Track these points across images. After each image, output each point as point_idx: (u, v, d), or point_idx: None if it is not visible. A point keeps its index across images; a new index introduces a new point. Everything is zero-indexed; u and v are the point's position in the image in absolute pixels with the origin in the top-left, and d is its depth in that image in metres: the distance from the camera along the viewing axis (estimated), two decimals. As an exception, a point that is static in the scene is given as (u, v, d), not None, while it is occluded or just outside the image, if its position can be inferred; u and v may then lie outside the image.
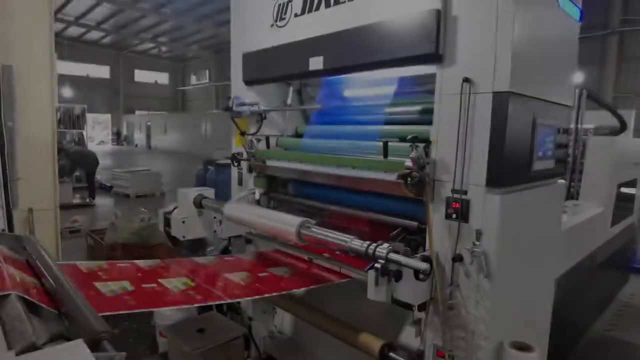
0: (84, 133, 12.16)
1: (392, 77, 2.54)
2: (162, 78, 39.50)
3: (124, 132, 38.01)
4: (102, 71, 35.51)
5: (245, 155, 3.05)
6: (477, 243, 1.88)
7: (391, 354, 2.15)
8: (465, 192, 1.90)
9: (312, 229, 2.04)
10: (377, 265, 1.68)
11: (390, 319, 2.52)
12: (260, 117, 3.00)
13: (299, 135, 3.18)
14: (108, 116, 38.43)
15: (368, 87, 2.74)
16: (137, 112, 38.31)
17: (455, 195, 1.92)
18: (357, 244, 1.84)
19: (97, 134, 39.42)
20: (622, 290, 4.87)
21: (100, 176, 13.26)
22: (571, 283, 3.06)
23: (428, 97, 2.46)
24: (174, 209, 3.03)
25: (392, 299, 1.81)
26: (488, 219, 1.85)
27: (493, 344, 1.96)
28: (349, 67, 2.36)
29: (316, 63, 2.45)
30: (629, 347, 4.09)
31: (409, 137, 1.91)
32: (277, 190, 3.17)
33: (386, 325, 2.50)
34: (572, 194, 3.99)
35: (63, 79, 29.91)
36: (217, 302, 1.99)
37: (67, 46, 29.89)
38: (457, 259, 1.94)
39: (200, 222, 2.91)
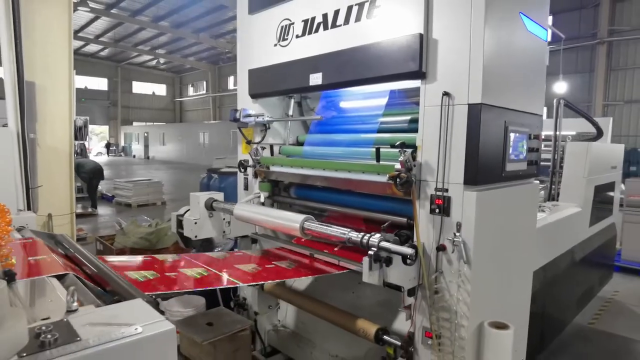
0: (86, 144, 12.41)
1: (383, 90, 2.85)
2: (160, 89, 39.91)
3: (122, 143, 38.22)
4: (100, 83, 35.86)
5: (251, 162, 3.34)
6: (457, 234, 2.17)
7: (385, 337, 2.43)
8: (447, 190, 2.20)
9: (314, 224, 2.33)
10: (371, 252, 1.97)
11: (384, 308, 2.81)
12: (265, 127, 3.30)
13: (300, 143, 3.48)
14: (105, 127, 38.70)
15: (362, 100, 3.05)
16: (134, 123, 38.59)
17: (438, 193, 2.21)
18: (354, 235, 2.13)
19: (94, 145, 39.70)
20: (605, 287, 5.15)
21: (101, 187, 13.53)
22: (549, 276, 3.34)
23: (416, 108, 2.78)
24: (186, 211, 3.30)
25: (384, 282, 2.09)
26: (466, 213, 2.14)
27: (474, 323, 2.24)
28: (345, 82, 2.66)
29: (316, 79, 2.76)
30: (612, 337, 4.38)
31: (397, 143, 2.21)
32: (280, 193, 3.46)
33: (380, 313, 2.78)
34: (553, 196, 4.29)
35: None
36: (229, 286, 2.25)
37: (66, 59, 30.34)
38: (441, 248, 2.23)
39: (210, 223, 3.19)
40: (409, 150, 2.24)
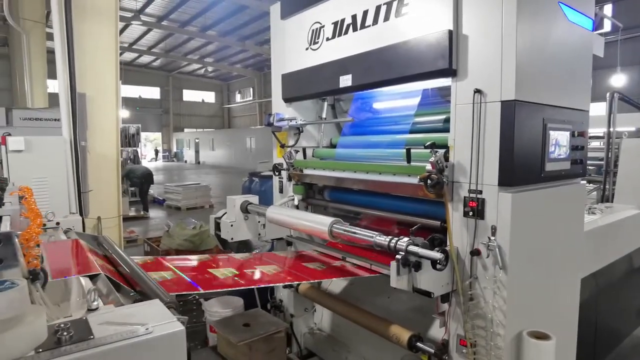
0: (139, 150, 13.08)
1: (416, 90, 2.78)
2: (209, 97, 41.33)
3: (174, 149, 39.91)
4: (153, 92, 37.67)
5: (285, 166, 3.37)
6: (492, 238, 2.07)
7: (419, 344, 2.36)
8: (481, 192, 2.10)
9: (342, 227, 2.30)
10: (398, 256, 1.92)
11: (418, 313, 2.73)
12: (298, 130, 3.31)
13: (333, 145, 3.47)
14: (158, 134, 40.56)
15: (394, 100, 2.99)
16: (185, 130, 40.19)
17: (472, 195, 2.12)
18: (381, 239, 2.09)
19: (148, 151, 41.78)
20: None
21: (152, 191, 14.20)
22: (602, 284, 3.11)
23: (450, 107, 2.69)
24: (224, 214, 3.39)
25: (414, 288, 2.03)
26: (501, 215, 2.04)
27: (512, 333, 2.12)
28: (374, 83, 2.62)
29: (346, 81, 2.74)
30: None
31: (427, 143, 2.14)
32: (314, 196, 3.46)
33: (414, 319, 2.71)
34: (606, 197, 3.99)
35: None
36: (259, 286, 2.27)
37: (122, 70, 32.17)
38: (475, 253, 2.13)
39: (246, 225, 3.25)
40: (441, 151, 2.17)
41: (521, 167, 2.06)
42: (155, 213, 11.80)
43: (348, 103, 3.44)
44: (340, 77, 2.75)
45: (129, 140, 12.76)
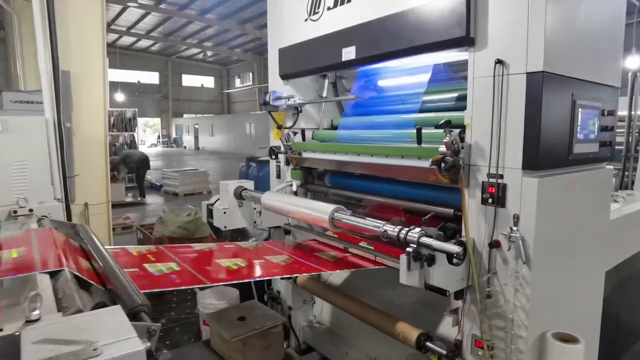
0: (135, 135, 12.82)
1: (426, 65, 2.52)
2: (208, 82, 40.83)
3: (173, 134, 39.60)
4: (151, 77, 37.18)
5: (282, 149, 3.12)
6: (515, 228, 1.83)
7: (428, 344, 2.14)
8: (502, 176, 1.86)
9: (345, 216, 2.06)
10: (409, 249, 1.68)
11: (427, 309, 2.50)
12: (297, 110, 3.06)
13: (334, 127, 3.21)
14: (158, 120, 40.22)
15: (402, 77, 2.73)
16: (185, 115, 39.83)
17: (491, 180, 1.88)
18: (389, 228, 1.84)
19: (148, 137, 41.48)
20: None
21: (150, 176, 13.97)
22: (624, 277, 2.88)
23: (464, 83, 2.43)
24: (216, 200, 3.15)
25: (426, 285, 1.80)
26: (525, 203, 1.80)
27: (535, 334, 1.89)
28: (381, 55, 2.36)
29: (349, 53, 2.48)
30: None
31: (441, 122, 1.89)
32: (314, 182, 3.22)
33: (423, 315, 2.49)
34: (626, 184, 3.75)
35: (115, 86, 31.77)
36: (260, 279, 2.05)
37: (119, 55, 31.69)
38: (494, 245, 1.90)
39: (240, 212, 3.01)
40: (456, 131, 1.92)
41: (548, 149, 1.81)
42: (152, 199, 11.59)
43: (351, 81, 3.17)
44: (343, 50, 2.48)
45: (126, 124, 12.49)
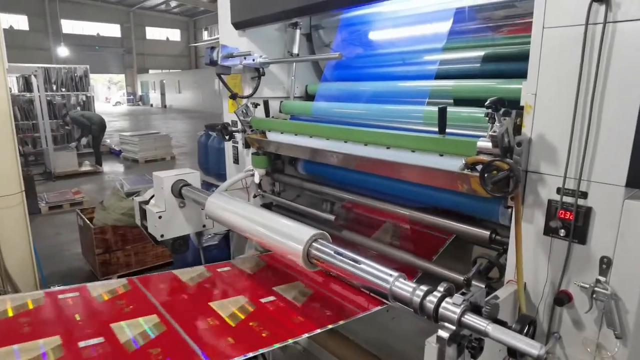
0: (90, 95, 11.48)
1: (445, 10, 1.70)
2: (174, 35, 38.31)
3: (139, 92, 37.43)
4: (112, 30, 34.43)
5: (239, 126, 2.31)
6: (603, 279, 1.13)
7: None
8: (585, 195, 1.13)
9: (330, 249, 1.30)
10: (443, 333, 0.95)
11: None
12: (258, 72, 2.22)
13: (309, 96, 2.40)
14: (122, 77, 37.88)
15: (406, 26, 1.90)
16: (150, 71, 37.56)
17: (566, 199, 1.15)
18: (403, 286, 1.09)
19: (113, 94, 39.07)
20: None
21: (109, 140, 12.75)
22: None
23: (497, 38, 1.65)
24: (151, 197, 2.34)
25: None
26: (625, 241, 1.09)
27: None
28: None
29: (331, -10, 1.64)
30: None
31: (489, 100, 1.12)
32: (284, 169, 2.44)
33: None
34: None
35: (69, 38, 29.25)
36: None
37: (72, 3, 28.96)
38: (562, 300, 1.20)
39: (182, 215, 2.22)
40: (513, 114, 1.16)
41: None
42: (110, 167, 10.50)
43: (332, 32, 2.32)
44: (322, -16, 1.64)
45: (76, 83, 11.12)
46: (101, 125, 10.17)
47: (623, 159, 1.06)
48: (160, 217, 2.16)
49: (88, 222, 4.16)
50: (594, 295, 1.14)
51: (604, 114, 1.08)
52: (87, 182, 8.99)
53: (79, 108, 11.16)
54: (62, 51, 26.87)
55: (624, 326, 1.12)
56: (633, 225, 1.07)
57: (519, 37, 1.55)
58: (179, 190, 2.13)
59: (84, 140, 10.36)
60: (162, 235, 2.20)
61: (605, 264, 1.13)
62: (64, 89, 10.89)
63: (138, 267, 4.24)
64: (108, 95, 39.42)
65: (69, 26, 29.90)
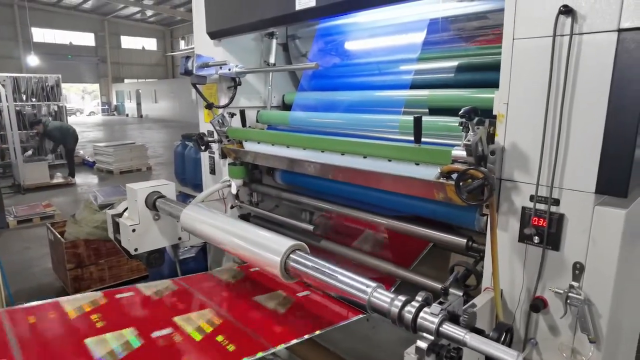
0: (61, 105, 11.18)
1: (419, 20, 1.73)
2: (150, 44, 37.87)
3: (114, 101, 36.74)
4: (86, 39, 33.80)
5: (215, 136, 2.28)
6: (576, 285, 1.15)
7: None
8: (557, 202, 1.15)
9: (308, 260, 1.28)
10: (422, 343, 0.95)
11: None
12: (234, 82, 2.20)
13: (286, 105, 2.40)
14: (96, 86, 37.13)
15: (382, 36, 1.92)
16: (126, 81, 36.95)
17: (539, 206, 1.17)
18: (381, 297, 1.09)
19: (87, 104, 38.21)
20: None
21: (82, 151, 12.43)
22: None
23: (468, 48, 1.69)
24: (125, 209, 2.28)
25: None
26: (597, 246, 1.11)
27: None
28: (355, 2, 1.54)
29: (306, 1, 1.64)
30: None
31: (463, 110, 1.13)
32: (262, 180, 2.42)
33: None
34: None
35: (40, 47, 28.56)
36: None
37: (43, 11, 28.35)
38: (537, 306, 1.21)
39: (157, 228, 2.17)
40: (486, 123, 1.18)
41: (640, 160, 1.11)
42: (83, 179, 10.21)
43: (308, 42, 2.33)
44: (297, -6, 1.64)
45: (47, 93, 10.83)
46: (72, 136, 9.93)
47: (592, 166, 1.09)
48: (134, 231, 2.10)
49: (59, 236, 4.02)
50: (568, 301, 1.16)
51: (572, 122, 1.11)
52: (59, 195, 8.71)
53: (50, 118, 10.86)
54: (33, 60, 26.12)
55: (597, 330, 1.14)
56: (603, 230, 1.10)
57: (492, 47, 1.58)
58: (153, 202, 2.09)
59: (60, 149, 10.10)
60: (136, 249, 2.14)
61: (578, 270, 1.15)
62: (34, 99, 10.58)
63: (112, 281, 4.11)
64: (81, 106, 38.43)
65: (40, 34, 29.22)
